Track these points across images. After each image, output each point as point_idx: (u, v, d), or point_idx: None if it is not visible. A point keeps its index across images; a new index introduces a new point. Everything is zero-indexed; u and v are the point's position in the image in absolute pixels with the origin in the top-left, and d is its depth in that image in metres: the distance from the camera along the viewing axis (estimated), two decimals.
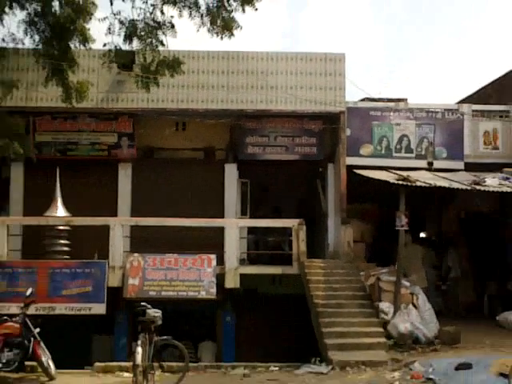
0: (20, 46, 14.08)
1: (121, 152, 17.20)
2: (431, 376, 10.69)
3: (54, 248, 15.67)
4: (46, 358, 11.05)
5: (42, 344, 11.06)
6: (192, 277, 14.82)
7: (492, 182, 15.03)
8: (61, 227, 15.82)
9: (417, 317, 13.55)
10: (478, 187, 14.64)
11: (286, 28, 69.78)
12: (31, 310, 11.80)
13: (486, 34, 66.70)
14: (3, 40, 13.75)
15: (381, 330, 13.22)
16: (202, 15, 13.37)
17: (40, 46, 13.92)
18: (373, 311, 13.80)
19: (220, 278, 14.92)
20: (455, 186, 14.68)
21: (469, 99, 19.27)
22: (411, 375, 10.95)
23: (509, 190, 14.77)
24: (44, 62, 13.98)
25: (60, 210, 15.93)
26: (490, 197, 15.73)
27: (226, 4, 13.25)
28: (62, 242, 15.77)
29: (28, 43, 13.94)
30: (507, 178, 15.34)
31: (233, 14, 13.35)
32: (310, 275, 14.72)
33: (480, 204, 17.31)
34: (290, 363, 12.33)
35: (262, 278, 15.24)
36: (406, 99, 17.83)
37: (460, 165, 16.84)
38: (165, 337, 10.15)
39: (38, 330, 11.11)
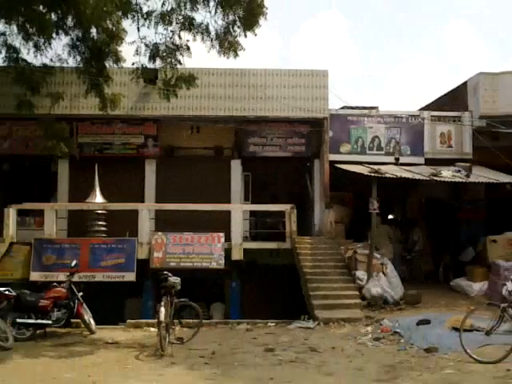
0: (65, 64, 14.08)
1: (147, 151, 17.23)
2: (397, 330, 10.80)
3: (94, 228, 15.72)
4: (88, 317, 11.19)
5: (84, 305, 11.21)
6: (205, 251, 14.91)
7: (447, 173, 15.08)
8: (99, 211, 15.86)
9: (386, 282, 13.65)
10: (435, 178, 14.75)
11: (280, 49, 69.70)
12: (75, 278, 11.95)
13: (442, 54, 66.47)
14: (51, 60, 13.78)
15: (357, 293, 13.32)
16: (212, 39, 13.37)
17: (81, 65, 13.94)
18: (350, 278, 13.90)
19: (227, 252, 15.00)
20: (417, 177, 14.78)
21: (428, 107, 19.25)
22: (381, 329, 11.10)
23: (460, 180, 14.84)
24: (84, 77, 13.99)
25: (98, 198, 15.98)
26: (445, 186, 15.75)
27: (232, 30, 13.24)
28: (100, 223, 15.82)
29: (71, 62, 14.00)
30: (459, 171, 15.39)
31: (237, 38, 13.35)
32: (300, 249, 14.80)
33: (437, 191, 17.38)
34: (284, 320, 12.44)
35: (261, 252, 15.29)
36: (378, 107, 17.80)
37: (421, 160, 16.84)
38: (183, 299, 10.26)
39: (81, 293, 11.27)
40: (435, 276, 17.00)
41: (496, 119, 16.23)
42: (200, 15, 13.58)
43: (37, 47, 13.31)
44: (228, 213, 15.59)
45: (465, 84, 17.53)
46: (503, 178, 15.06)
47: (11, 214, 15.02)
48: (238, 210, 15.92)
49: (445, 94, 18.99)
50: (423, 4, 66.06)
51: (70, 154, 15.69)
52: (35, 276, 14.18)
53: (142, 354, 9.20)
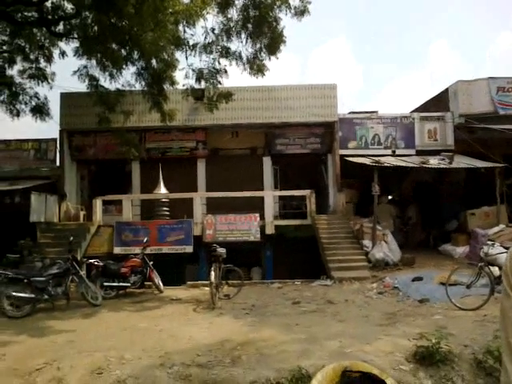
0: (133, 88, 14.21)
1: (198, 152, 17.29)
2: (396, 285, 10.70)
3: (160, 212, 15.92)
4: (158, 280, 11.35)
5: (154, 271, 11.38)
6: (245, 227, 14.94)
7: (433, 161, 14.82)
8: (163, 200, 16.05)
9: (387, 248, 13.47)
10: (424, 165, 14.48)
11: (300, 67, 69.15)
12: (147, 251, 12.16)
13: (427, 68, 64.93)
14: (122, 85, 13.91)
15: (364, 257, 13.21)
16: (244, 64, 13.29)
17: (145, 88, 14.03)
18: (358, 246, 13.77)
19: (262, 228, 15.00)
20: (410, 165, 14.55)
21: (417, 109, 18.86)
22: (384, 285, 10.99)
23: (444, 166, 14.55)
24: (148, 97, 14.13)
25: (162, 189, 16.18)
26: (432, 171, 15.44)
27: (259, 56, 13.14)
28: (164, 208, 16.01)
29: (138, 86, 14.09)
30: (443, 159, 15.08)
31: (263, 61, 13.27)
32: (318, 225, 14.71)
33: (426, 176, 17.07)
34: (307, 279, 12.42)
35: (288, 227, 15.25)
36: (377, 111, 17.48)
37: (413, 151, 16.51)
38: (229, 265, 10.33)
39: (151, 262, 11.45)
40: (426, 243, 16.70)
41: (472, 117, 16.00)
42: (234, 45, 13.62)
43: (111, 76, 13.45)
44: (261, 198, 15.59)
45: (446, 90, 17.14)
46: (479, 164, 14.72)
47: (98, 204, 15.34)
48: (270, 196, 15.91)
49: (431, 99, 18.62)
50: (412, 29, 64.59)
51: (139, 157, 15.99)
52: (117, 250, 14.46)
53: (198, 307, 9.32)
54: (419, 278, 10.84)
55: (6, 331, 7.39)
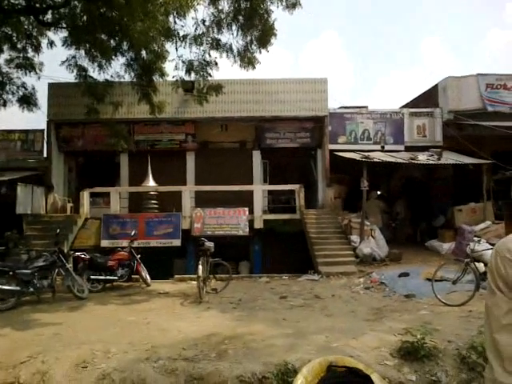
0: (122, 79, 14.02)
1: (187, 145, 17.22)
2: (383, 280, 10.77)
3: (148, 205, 15.87)
4: (145, 273, 11.29)
5: (142, 264, 11.32)
6: (233, 221, 14.93)
7: (422, 157, 14.91)
8: (152, 192, 16.00)
9: (374, 244, 13.58)
10: (413, 161, 14.55)
11: (291, 61, 69.02)
12: (135, 244, 12.12)
13: (417, 63, 65.19)
14: (111, 76, 13.70)
15: (351, 252, 13.28)
16: (234, 56, 13.18)
17: (134, 79, 13.86)
18: (346, 241, 13.85)
19: (251, 222, 15.00)
20: (399, 161, 14.62)
21: (407, 105, 18.97)
22: (371, 280, 11.06)
23: (433, 162, 14.64)
24: (137, 89, 13.97)
25: (151, 182, 16.12)
26: (421, 167, 15.55)
27: (250, 48, 13.04)
28: (153, 201, 15.95)
29: (127, 78, 13.90)
30: (431, 155, 15.17)
31: (254, 54, 13.17)
32: (307, 219, 14.75)
33: (414, 172, 17.19)
34: (295, 274, 12.45)
35: (277, 222, 15.27)
36: (367, 106, 17.51)
37: (401, 147, 16.57)
38: (217, 259, 10.30)
39: (139, 256, 11.39)
40: (413, 238, 16.87)
41: (461, 113, 16.07)
42: (225, 37, 13.53)
43: (100, 66, 13.27)
44: (251, 192, 15.59)
45: (436, 86, 17.22)
46: (467, 160, 14.85)
47: (85, 196, 15.22)
48: (259, 190, 15.93)
49: (420, 95, 18.71)
50: (403, 25, 64.72)
51: (128, 148, 15.82)
52: (104, 243, 14.36)
53: (186, 301, 9.29)
54: (406, 274, 10.92)
55: None
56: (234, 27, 12.93)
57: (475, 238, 8.99)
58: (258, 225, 15.12)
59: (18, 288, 8.80)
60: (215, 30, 13.00)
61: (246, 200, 15.34)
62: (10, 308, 8.58)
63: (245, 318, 7.56)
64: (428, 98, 17.52)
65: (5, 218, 13.85)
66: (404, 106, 18.67)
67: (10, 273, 8.81)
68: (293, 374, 4.65)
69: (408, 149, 16.38)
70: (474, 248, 8.63)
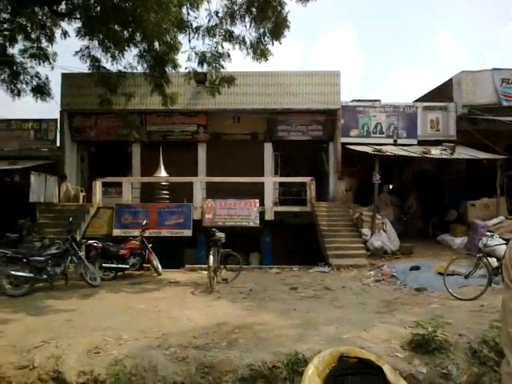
0: (135, 70, 14.02)
1: (199, 136, 17.21)
2: (394, 274, 10.72)
3: (159, 196, 15.89)
4: (156, 262, 11.39)
5: (153, 254, 11.42)
6: (244, 213, 14.93)
7: (435, 152, 14.76)
8: (163, 183, 16.02)
9: (385, 237, 13.51)
10: (426, 155, 14.42)
11: (304, 54, 68.67)
12: (146, 234, 12.19)
13: (431, 57, 64.45)
14: (124, 67, 13.73)
15: (362, 245, 13.24)
16: (247, 48, 13.13)
17: (147, 71, 13.85)
18: (357, 234, 13.78)
19: (261, 214, 14.99)
20: (411, 154, 14.48)
21: (421, 99, 18.78)
22: (381, 273, 11.02)
23: (445, 157, 14.50)
24: (150, 80, 13.96)
25: (163, 173, 16.13)
26: (433, 161, 15.41)
27: (262, 40, 12.98)
28: (164, 192, 15.98)
29: (140, 69, 13.89)
30: (445, 149, 15.01)
31: (267, 46, 13.10)
32: (318, 212, 14.70)
33: (427, 166, 17.05)
34: (305, 266, 12.45)
35: (287, 214, 15.24)
36: (380, 100, 17.37)
37: (414, 141, 16.43)
38: (227, 249, 10.35)
39: (150, 245, 11.47)
40: (425, 232, 16.74)
41: (475, 108, 15.86)
42: (238, 29, 13.43)
43: (113, 57, 13.29)
44: (262, 184, 15.54)
45: (450, 80, 17.03)
46: (481, 155, 14.66)
47: (98, 185, 15.31)
48: (270, 182, 15.88)
49: (434, 89, 18.51)
50: (417, 18, 63.94)
51: (140, 139, 15.84)
52: (116, 232, 14.46)
53: (196, 291, 9.35)
54: (417, 267, 10.86)
55: (4, 309, 7.43)
56: (247, 19, 12.88)
57: (488, 233, 8.89)
58: (269, 216, 15.10)
59: (31, 275, 8.93)
60: (228, 22, 12.97)
61: (256, 192, 15.31)
62: (24, 294, 8.72)
63: (255, 308, 7.59)
64: (442, 93, 17.31)
65: (18, 206, 14.02)
66: (417, 100, 18.48)
67: (24, 260, 8.94)
68: (303, 364, 4.66)
69: (421, 143, 16.23)
70: (487, 243, 8.56)
